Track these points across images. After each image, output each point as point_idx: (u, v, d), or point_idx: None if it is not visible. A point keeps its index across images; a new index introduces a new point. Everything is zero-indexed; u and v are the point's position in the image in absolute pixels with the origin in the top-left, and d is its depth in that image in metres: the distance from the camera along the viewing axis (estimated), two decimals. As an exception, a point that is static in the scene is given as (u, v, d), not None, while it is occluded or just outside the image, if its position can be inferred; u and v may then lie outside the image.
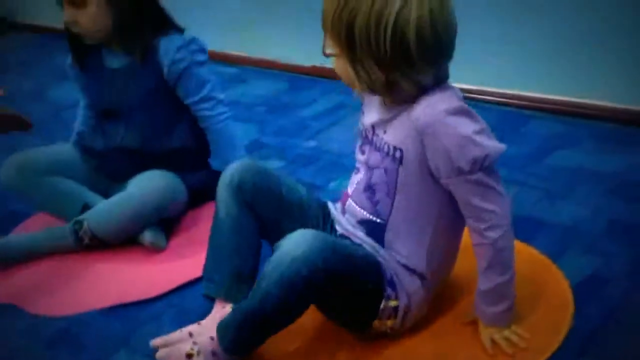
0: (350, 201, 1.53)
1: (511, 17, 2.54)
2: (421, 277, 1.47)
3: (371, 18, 1.27)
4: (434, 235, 1.45)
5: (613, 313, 1.53)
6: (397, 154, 1.39)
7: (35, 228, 2.10)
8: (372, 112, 1.47)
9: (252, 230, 1.58)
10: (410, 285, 1.47)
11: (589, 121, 2.42)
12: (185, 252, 1.97)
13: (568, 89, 2.48)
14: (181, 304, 1.75)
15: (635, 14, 2.29)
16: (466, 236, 1.45)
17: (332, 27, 1.33)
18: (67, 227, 1.99)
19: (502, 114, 2.54)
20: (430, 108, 1.33)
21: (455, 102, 1.34)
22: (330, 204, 1.63)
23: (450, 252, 1.53)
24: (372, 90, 1.36)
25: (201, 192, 2.12)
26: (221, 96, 2.09)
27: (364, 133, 1.51)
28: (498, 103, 2.62)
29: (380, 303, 1.45)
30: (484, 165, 1.34)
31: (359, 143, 1.53)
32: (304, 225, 1.47)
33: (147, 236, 1.97)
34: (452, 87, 1.38)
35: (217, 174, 2.19)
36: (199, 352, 1.44)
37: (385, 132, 1.42)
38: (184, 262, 1.92)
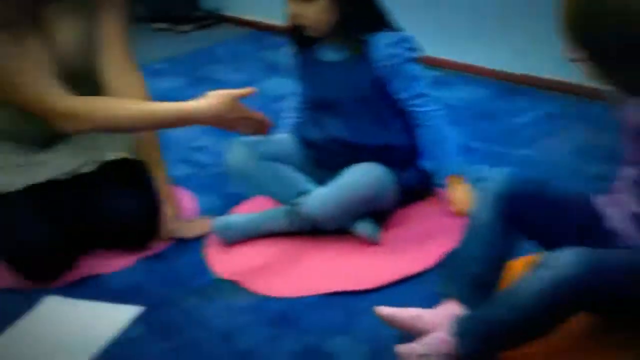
0: (619, 196, 1.52)
1: None
2: None
3: None
4: None
5: None
6: None
7: (252, 210, 2.21)
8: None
9: (507, 242, 1.59)
10: None
11: None
12: (397, 248, 2.00)
13: None
14: (398, 299, 1.76)
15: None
16: None
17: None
18: (285, 208, 2.08)
19: None
20: None
21: None
22: (597, 199, 1.61)
23: None
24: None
25: (410, 191, 2.14)
26: (433, 94, 2.11)
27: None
28: None
29: None
30: None
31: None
32: (571, 227, 1.47)
33: (363, 228, 2.02)
34: None
35: (426, 175, 2.21)
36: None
37: None
38: (397, 257, 1.95)
